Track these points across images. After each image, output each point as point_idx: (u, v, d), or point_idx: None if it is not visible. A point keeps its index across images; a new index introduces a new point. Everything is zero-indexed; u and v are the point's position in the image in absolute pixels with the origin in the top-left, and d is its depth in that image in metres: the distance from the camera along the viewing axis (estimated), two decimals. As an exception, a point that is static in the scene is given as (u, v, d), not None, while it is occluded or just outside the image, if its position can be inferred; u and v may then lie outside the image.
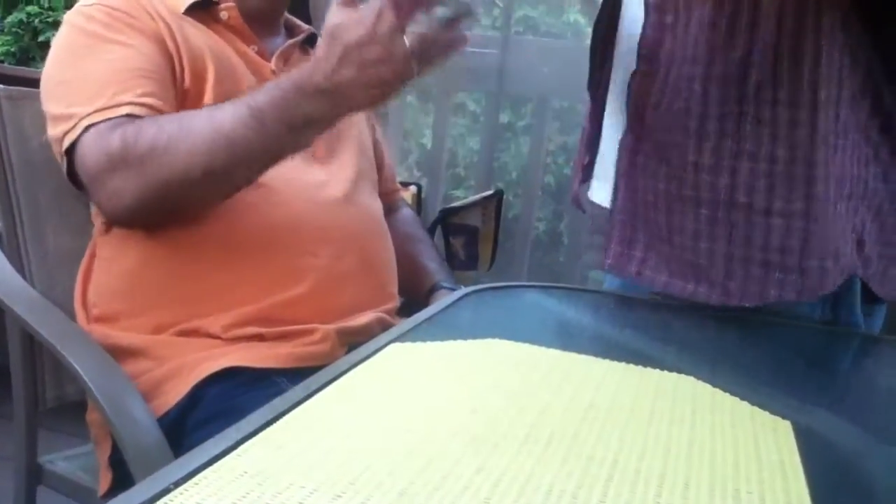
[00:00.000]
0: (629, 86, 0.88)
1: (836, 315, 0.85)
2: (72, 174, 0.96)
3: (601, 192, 0.97)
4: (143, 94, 0.93)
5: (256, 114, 0.86)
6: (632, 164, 0.89)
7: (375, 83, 0.81)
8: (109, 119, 0.91)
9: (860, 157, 0.82)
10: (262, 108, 0.85)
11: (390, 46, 0.78)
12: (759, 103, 0.80)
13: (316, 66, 0.82)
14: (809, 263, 0.80)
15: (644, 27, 0.86)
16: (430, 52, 0.80)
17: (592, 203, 0.99)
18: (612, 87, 0.95)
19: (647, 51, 0.86)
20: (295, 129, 0.86)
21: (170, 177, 0.88)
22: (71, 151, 0.94)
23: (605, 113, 0.97)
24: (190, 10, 1.04)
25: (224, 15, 1.06)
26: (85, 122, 0.91)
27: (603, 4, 0.96)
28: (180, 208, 0.94)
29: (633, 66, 0.87)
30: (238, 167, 0.89)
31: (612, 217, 0.92)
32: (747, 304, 0.83)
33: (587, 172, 1.00)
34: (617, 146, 0.91)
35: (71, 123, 0.92)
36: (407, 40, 0.78)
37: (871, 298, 0.86)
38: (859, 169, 0.82)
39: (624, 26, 0.93)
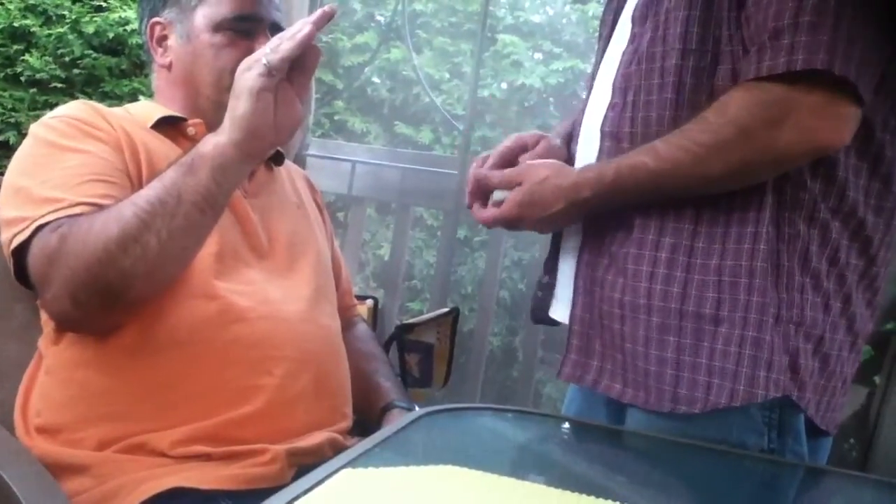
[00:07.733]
0: None
1: (782, 443, 0.86)
2: (25, 279, 0.95)
3: (561, 310, 0.99)
4: (94, 196, 0.94)
5: (185, 160, 0.91)
6: (590, 277, 0.93)
7: None
8: (58, 219, 0.91)
9: (798, 283, 0.85)
10: (192, 157, 0.91)
11: None
12: (711, 222, 0.85)
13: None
14: (743, 370, 0.84)
15: (599, 151, 0.92)
16: None
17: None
18: None
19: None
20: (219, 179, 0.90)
21: (91, 256, 0.88)
22: (22, 255, 0.93)
23: (563, 235, 1.00)
24: (157, 126, 1.07)
25: (191, 131, 1.08)
26: (35, 225, 0.92)
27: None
28: (117, 294, 0.90)
29: None
30: (154, 222, 0.88)
31: (571, 328, 0.95)
32: (696, 411, 0.84)
33: (546, 290, 1.02)
34: (574, 263, 0.95)
35: (22, 226, 0.93)
36: None
37: (815, 431, 0.87)
38: (794, 294, 0.85)
39: (579, 151, 0.98)
